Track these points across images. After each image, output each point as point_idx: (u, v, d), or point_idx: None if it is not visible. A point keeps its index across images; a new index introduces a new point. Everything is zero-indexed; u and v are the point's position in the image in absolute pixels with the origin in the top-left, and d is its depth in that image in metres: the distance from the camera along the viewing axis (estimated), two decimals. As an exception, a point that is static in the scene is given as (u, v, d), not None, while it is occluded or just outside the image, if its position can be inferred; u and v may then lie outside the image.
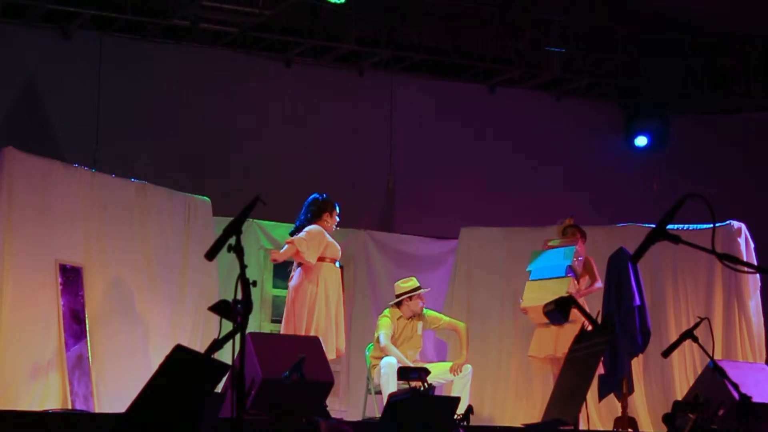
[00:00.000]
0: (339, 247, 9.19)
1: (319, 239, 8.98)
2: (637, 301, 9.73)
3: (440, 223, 12.28)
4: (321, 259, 9.01)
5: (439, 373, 9.43)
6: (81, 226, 9.41)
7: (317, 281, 8.95)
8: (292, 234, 9.16)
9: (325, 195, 9.23)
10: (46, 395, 8.76)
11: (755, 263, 10.71)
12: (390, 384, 9.28)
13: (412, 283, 9.82)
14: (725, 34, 13.14)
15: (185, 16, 11.12)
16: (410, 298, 9.76)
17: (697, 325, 6.14)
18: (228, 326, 4.42)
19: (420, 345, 9.87)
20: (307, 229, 9.03)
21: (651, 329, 9.83)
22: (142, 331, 9.71)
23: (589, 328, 6.84)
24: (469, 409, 7.17)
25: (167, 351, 4.68)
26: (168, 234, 10.09)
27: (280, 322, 9.42)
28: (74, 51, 11.20)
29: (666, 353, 6.24)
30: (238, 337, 4.39)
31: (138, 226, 9.86)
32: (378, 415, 9.26)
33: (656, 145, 13.33)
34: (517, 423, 9.62)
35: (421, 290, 9.79)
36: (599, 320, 7.18)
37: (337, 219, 9.23)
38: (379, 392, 9.53)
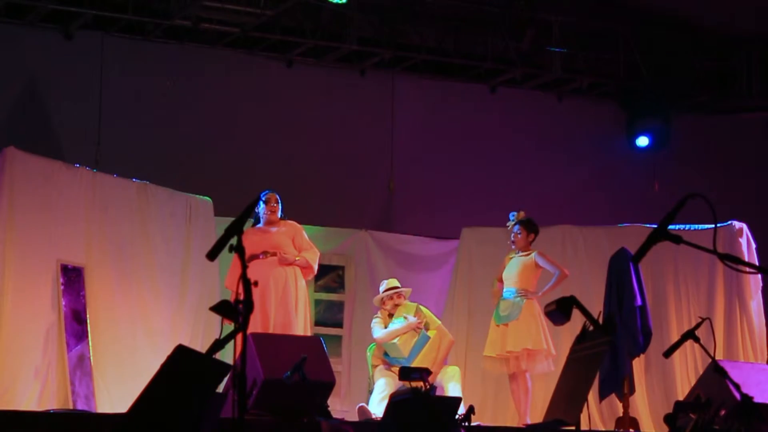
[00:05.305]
0: (261, 236, 9.11)
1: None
2: (639, 302, 9.73)
3: (441, 223, 12.27)
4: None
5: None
6: (82, 227, 9.41)
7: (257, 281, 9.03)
8: None
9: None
10: (48, 395, 8.76)
11: (757, 263, 10.72)
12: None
13: (387, 283, 9.80)
14: (726, 34, 13.13)
15: (186, 16, 11.12)
16: (389, 298, 9.74)
17: (698, 325, 6.13)
18: (229, 326, 4.42)
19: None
20: None
21: (652, 329, 9.83)
22: (143, 331, 9.71)
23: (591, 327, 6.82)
24: (471, 410, 7.16)
25: (168, 351, 4.68)
26: (169, 234, 10.09)
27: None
28: (76, 51, 11.19)
29: (667, 353, 6.23)
30: (239, 337, 4.39)
31: (139, 227, 9.86)
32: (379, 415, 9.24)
33: (657, 146, 13.32)
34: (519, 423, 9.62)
35: (395, 290, 9.73)
36: (600, 320, 7.16)
37: (266, 206, 9.20)
38: (380, 392, 9.51)
